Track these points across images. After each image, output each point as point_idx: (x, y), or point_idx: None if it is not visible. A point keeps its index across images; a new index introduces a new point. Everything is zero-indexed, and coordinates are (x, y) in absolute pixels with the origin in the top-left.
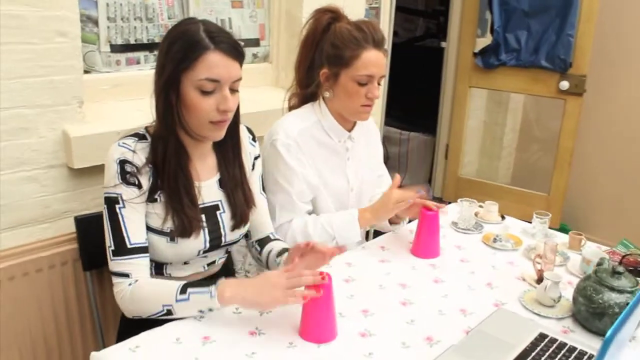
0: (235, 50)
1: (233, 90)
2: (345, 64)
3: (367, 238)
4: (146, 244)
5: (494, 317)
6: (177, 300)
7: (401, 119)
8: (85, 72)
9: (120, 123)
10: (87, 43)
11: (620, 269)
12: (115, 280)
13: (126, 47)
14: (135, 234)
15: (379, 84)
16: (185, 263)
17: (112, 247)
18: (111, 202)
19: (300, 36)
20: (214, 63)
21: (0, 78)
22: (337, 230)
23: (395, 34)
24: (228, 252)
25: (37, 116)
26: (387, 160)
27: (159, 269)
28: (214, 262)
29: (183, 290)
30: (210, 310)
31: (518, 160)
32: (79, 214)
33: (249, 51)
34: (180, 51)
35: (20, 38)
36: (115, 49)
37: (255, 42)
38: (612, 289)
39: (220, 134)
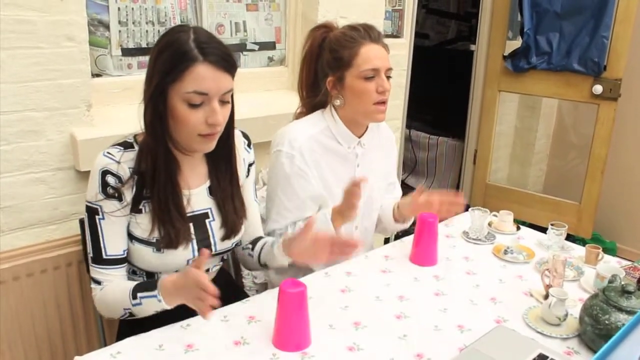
0: (225, 61)
1: (223, 102)
2: (347, 64)
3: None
4: (123, 255)
5: (492, 335)
6: (133, 305)
7: (431, 124)
8: (97, 75)
9: (128, 126)
10: (99, 47)
11: (631, 287)
12: (92, 285)
13: (138, 51)
14: (111, 246)
15: (388, 78)
16: (176, 272)
17: (91, 254)
18: (91, 212)
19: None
20: (202, 75)
21: (9, 82)
22: None
23: (426, 37)
24: (223, 260)
25: (45, 119)
26: (414, 165)
27: (150, 277)
28: (207, 270)
29: (134, 296)
30: (165, 309)
31: (550, 167)
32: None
33: (264, 54)
34: (167, 62)
35: (29, 42)
36: (127, 52)
37: (271, 46)
38: (620, 309)
39: (210, 146)
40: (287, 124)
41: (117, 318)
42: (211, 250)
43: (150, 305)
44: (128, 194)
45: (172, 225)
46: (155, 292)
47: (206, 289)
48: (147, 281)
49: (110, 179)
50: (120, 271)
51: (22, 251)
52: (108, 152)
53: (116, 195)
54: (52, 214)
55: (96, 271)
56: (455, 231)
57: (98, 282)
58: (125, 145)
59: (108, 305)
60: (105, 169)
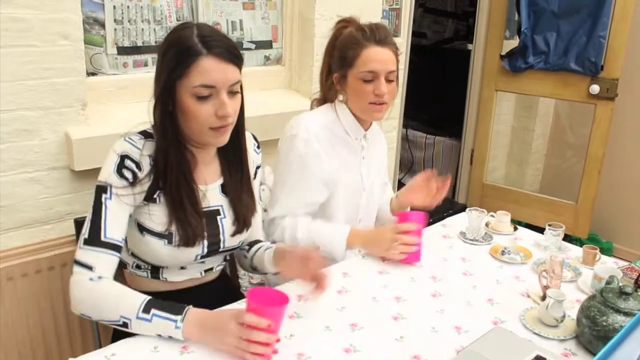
0: (230, 53)
1: (233, 93)
2: (349, 64)
3: None
4: (120, 244)
5: (489, 336)
6: (137, 317)
7: (428, 123)
8: (92, 74)
9: (123, 125)
10: (94, 45)
11: (629, 289)
12: (75, 269)
13: (133, 50)
14: (112, 229)
15: (389, 81)
16: (182, 268)
17: (86, 235)
18: (100, 190)
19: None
20: (208, 68)
21: (3, 80)
22: (323, 243)
23: (423, 36)
24: (226, 260)
25: (40, 118)
26: (411, 164)
27: (155, 272)
28: (211, 268)
29: (146, 309)
30: (170, 337)
31: (547, 167)
32: (80, 216)
33: (261, 53)
34: (173, 59)
35: (23, 41)
36: (122, 51)
37: (267, 44)
38: (618, 310)
39: (223, 139)
40: (299, 114)
41: (96, 320)
42: (219, 247)
43: (160, 327)
44: (144, 184)
45: (189, 222)
46: (177, 317)
47: (251, 336)
48: (169, 302)
49: (129, 163)
50: (113, 259)
51: (16, 251)
52: (130, 138)
53: (130, 179)
54: (47, 214)
55: (88, 253)
56: (452, 232)
57: (89, 267)
58: (146, 135)
59: (102, 304)
60: (126, 153)
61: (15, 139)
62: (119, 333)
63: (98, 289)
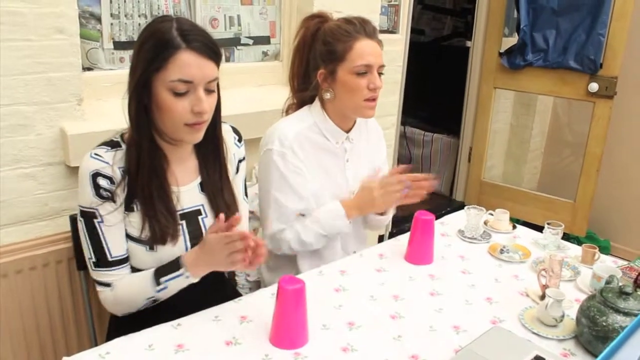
0: (209, 49)
1: (209, 91)
2: (340, 57)
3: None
4: (126, 255)
5: (488, 336)
6: (157, 292)
7: (426, 120)
8: (88, 69)
9: (119, 121)
10: (90, 40)
11: (629, 289)
12: (98, 287)
13: (130, 44)
14: (115, 247)
15: (380, 75)
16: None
17: (93, 259)
18: (88, 216)
19: (291, 47)
20: (186, 63)
21: None
22: (328, 230)
23: (422, 33)
24: None
25: (35, 113)
26: (409, 162)
27: None
28: None
29: (157, 282)
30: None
31: (545, 165)
32: (75, 212)
33: (258, 49)
34: (150, 51)
35: (18, 35)
36: (119, 46)
37: (265, 40)
38: (618, 310)
39: (198, 136)
40: (275, 123)
41: (135, 311)
42: None
43: (177, 284)
44: (120, 194)
45: (157, 220)
46: (181, 271)
47: (232, 238)
48: (165, 265)
49: (102, 182)
50: (127, 268)
51: (10, 248)
52: (95, 154)
53: (110, 196)
54: (42, 210)
55: (103, 274)
56: (450, 230)
57: (108, 285)
58: (112, 145)
59: (125, 302)
60: (96, 171)
61: (10, 134)
62: (114, 331)
63: (118, 296)
